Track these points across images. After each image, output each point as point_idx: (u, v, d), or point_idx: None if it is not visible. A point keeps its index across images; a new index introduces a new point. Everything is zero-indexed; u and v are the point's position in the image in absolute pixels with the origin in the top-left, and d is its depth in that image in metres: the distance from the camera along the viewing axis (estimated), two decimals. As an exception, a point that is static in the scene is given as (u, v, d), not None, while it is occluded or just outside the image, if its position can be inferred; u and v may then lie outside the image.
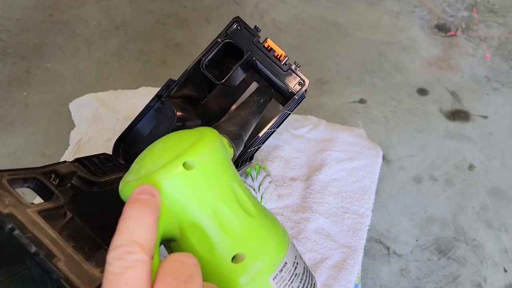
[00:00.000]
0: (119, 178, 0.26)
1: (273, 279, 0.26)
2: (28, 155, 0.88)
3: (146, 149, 0.28)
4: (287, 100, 0.50)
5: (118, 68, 1.04)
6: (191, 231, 0.25)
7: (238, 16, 0.48)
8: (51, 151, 0.88)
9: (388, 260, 0.77)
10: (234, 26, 0.48)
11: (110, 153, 0.48)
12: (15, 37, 1.10)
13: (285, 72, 0.48)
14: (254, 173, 0.59)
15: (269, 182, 0.59)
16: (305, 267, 0.30)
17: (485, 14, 1.20)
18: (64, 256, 0.23)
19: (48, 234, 0.24)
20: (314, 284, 0.29)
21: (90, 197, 0.35)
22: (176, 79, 0.48)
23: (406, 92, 1.02)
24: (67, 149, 0.67)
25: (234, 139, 0.35)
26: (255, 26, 0.49)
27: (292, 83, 0.49)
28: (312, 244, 0.54)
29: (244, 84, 0.58)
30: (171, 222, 0.24)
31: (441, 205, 0.84)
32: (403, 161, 0.90)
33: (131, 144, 0.49)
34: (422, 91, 1.02)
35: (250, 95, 0.48)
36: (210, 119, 0.58)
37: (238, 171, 0.31)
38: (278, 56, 0.48)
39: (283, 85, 0.49)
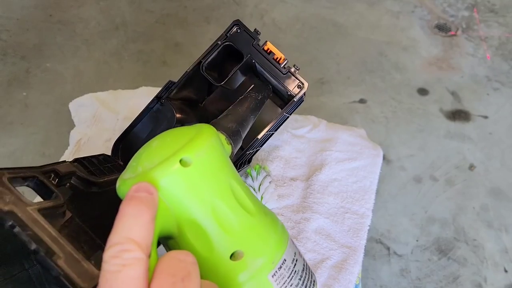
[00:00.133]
0: (118, 179, 0.26)
1: (272, 276, 0.26)
2: (28, 155, 0.88)
3: (143, 146, 0.28)
4: (286, 103, 0.50)
5: (118, 68, 1.04)
6: (189, 228, 0.25)
7: (238, 19, 0.49)
8: (51, 151, 0.88)
9: (388, 260, 0.77)
10: (234, 29, 0.48)
11: (110, 153, 0.48)
12: (15, 37, 1.10)
13: (285, 75, 0.49)
14: (254, 173, 0.59)
15: (269, 182, 0.58)
16: (305, 264, 0.29)
17: (485, 14, 1.20)
18: (64, 254, 0.23)
19: (48, 232, 0.24)
20: (314, 281, 0.29)
21: (89, 197, 0.35)
22: (176, 80, 0.48)
23: (406, 92, 1.02)
24: (66, 149, 0.67)
25: (232, 135, 0.35)
26: (255, 29, 0.49)
27: (291, 86, 0.49)
28: (312, 244, 0.54)
29: (243, 87, 0.58)
30: (169, 219, 0.24)
31: (442, 205, 0.84)
32: (403, 161, 0.90)
33: (130, 145, 0.49)
34: (423, 91, 1.02)
35: (248, 91, 0.48)
36: (208, 122, 0.58)
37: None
38: (278, 59, 0.48)
39: (282, 88, 0.49)
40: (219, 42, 0.48)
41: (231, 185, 0.26)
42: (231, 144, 0.34)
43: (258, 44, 0.48)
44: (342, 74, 1.05)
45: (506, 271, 0.76)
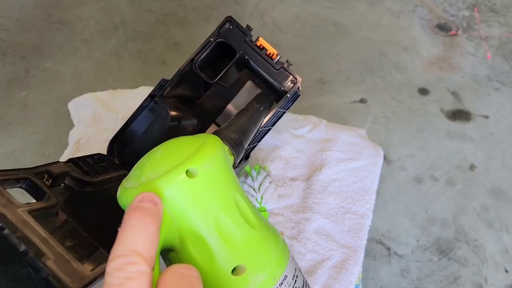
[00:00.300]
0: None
1: None
2: (27, 155, 0.87)
3: (146, 155, 0.27)
4: (281, 98, 0.50)
5: (117, 67, 1.04)
6: (191, 241, 0.24)
7: (230, 16, 0.49)
8: (50, 151, 0.88)
9: (388, 261, 0.76)
10: (226, 25, 0.48)
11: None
12: (14, 37, 1.10)
13: (278, 71, 0.49)
14: (254, 173, 0.59)
15: (270, 182, 0.58)
16: (304, 280, 0.29)
17: (486, 14, 1.20)
18: (54, 255, 0.23)
19: (38, 233, 0.24)
20: None
21: (84, 197, 0.35)
22: (169, 78, 0.49)
23: (407, 92, 1.01)
24: (66, 149, 0.66)
25: (235, 146, 0.34)
26: (247, 25, 0.49)
27: (285, 81, 0.49)
28: (313, 244, 0.54)
29: (239, 83, 0.58)
30: (172, 231, 0.23)
31: (442, 205, 0.83)
32: (403, 161, 0.89)
33: (125, 144, 0.49)
34: (423, 91, 1.02)
35: (251, 102, 0.48)
36: (206, 119, 0.58)
37: (235, 169, 0.31)
38: (270, 55, 0.49)
39: (276, 83, 0.49)
40: (211, 39, 0.48)
41: (235, 198, 0.26)
42: (233, 155, 0.33)
43: (251, 40, 0.49)
44: (342, 74, 1.05)
45: (506, 271, 0.76)
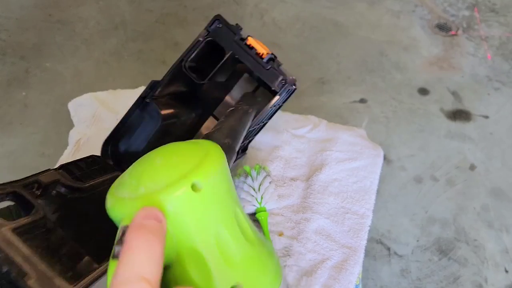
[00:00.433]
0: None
1: None
2: (27, 155, 0.87)
3: (142, 160, 0.26)
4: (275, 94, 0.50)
5: (117, 67, 1.04)
6: (189, 258, 0.23)
7: (219, 14, 0.49)
8: (50, 151, 0.88)
9: (388, 261, 0.76)
10: (215, 24, 0.48)
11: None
12: (14, 37, 1.10)
13: (268, 70, 0.49)
14: (254, 173, 0.59)
15: (269, 182, 0.58)
16: None
17: (486, 14, 1.20)
18: (36, 273, 0.23)
19: (21, 252, 0.24)
20: None
21: (76, 203, 0.35)
22: (160, 79, 0.49)
23: (407, 92, 1.01)
24: (66, 149, 0.66)
25: (227, 152, 0.33)
26: (237, 24, 0.49)
27: (275, 82, 0.49)
28: (313, 244, 0.54)
29: (236, 75, 0.58)
30: (170, 247, 0.22)
31: (442, 205, 0.83)
32: (403, 161, 0.89)
33: (119, 144, 0.49)
34: (423, 91, 1.02)
35: (239, 103, 0.48)
36: (204, 112, 0.58)
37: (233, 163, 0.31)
38: (260, 54, 0.48)
39: (267, 82, 0.49)
40: (201, 39, 0.48)
41: (235, 212, 0.25)
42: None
43: (241, 39, 0.48)
44: (342, 74, 1.05)
45: (506, 271, 0.76)
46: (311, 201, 0.58)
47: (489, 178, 0.87)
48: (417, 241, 0.79)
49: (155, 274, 0.18)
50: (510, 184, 0.86)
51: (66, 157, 0.65)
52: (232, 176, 0.57)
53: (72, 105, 0.71)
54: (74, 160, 0.41)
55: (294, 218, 0.56)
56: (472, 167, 0.89)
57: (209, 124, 0.58)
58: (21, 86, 0.99)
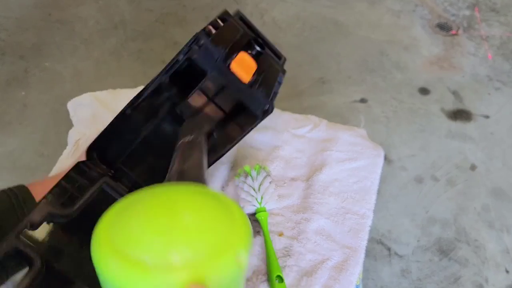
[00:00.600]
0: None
1: None
2: (26, 155, 0.87)
3: (160, 211, 0.22)
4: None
5: (117, 67, 1.04)
6: None
7: (205, 28, 0.46)
8: (49, 151, 0.88)
9: (389, 261, 0.76)
10: (200, 40, 0.44)
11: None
12: (13, 36, 1.10)
13: (252, 96, 0.45)
14: (254, 173, 0.58)
15: (270, 182, 0.58)
16: None
17: (486, 13, 1.19)
18: None
19: None
20: None
21: (68, 228, 0.36)
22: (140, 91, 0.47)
23: (407, 92, 1.01)
24: (65, 149, 0.66)
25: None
26: (238, 10, 0.46)
27: (258, 108, 0.45)
28: (313, 244, 0.54)
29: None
30: None
31: (443, 205, 0.83)
32: (404, 161, 0.89)
33: (103, 149, 0.49)
34: (424, 91, 1.02)
35: (182, 139, 0.41)
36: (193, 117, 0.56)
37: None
38: (243, 82, 0.44)
39: (250, 107, 0.45)
40: (179, 59, 0.44)
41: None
42: None
43: (223, 61, 0.44)
44: (342, 74, 1.04)
45: (507, 271, 0.75)
46: (311, 201, 0.57)
47: (490, 178, 0.87)
48: (418, 241, 0.79)
49: None
50: (510, 184, 0.86)
51: (66, 157, 0.65)
52: (232, 177, 0.56)
53: (71, 105, 0.71)
54: (59, 181, 0.42)
55: (294, 218, 0.56)
56: (473, 167, 0.89)
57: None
58: (20, 86, 0.99)
